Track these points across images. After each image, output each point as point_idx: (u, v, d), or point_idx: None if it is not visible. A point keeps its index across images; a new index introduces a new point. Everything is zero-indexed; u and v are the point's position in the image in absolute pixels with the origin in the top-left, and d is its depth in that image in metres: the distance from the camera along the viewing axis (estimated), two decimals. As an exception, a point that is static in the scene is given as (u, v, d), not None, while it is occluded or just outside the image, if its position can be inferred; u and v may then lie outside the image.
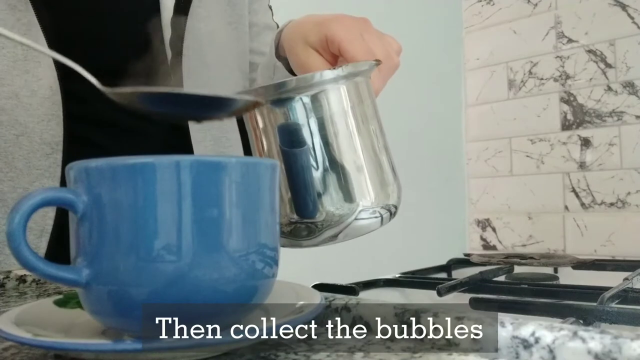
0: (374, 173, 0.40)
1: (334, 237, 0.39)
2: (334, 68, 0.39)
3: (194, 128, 0.66)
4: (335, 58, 0.49)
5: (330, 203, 0.38)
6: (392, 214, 0.41)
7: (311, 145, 0.38)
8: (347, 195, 0.39)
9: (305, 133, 0.38)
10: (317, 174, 0.38)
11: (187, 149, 0.65)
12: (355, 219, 0.39)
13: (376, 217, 0.40)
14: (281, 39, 0.56)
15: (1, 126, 0.57)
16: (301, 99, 0.38)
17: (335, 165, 0.39)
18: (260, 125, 0.40)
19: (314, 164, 0.38)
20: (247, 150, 0.43)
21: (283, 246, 0.41)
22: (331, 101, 0.39)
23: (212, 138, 0.67)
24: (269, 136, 0.40)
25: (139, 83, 0.66)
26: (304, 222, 0.39)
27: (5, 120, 0.57)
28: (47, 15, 0.58)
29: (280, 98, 0.38)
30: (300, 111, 0.38)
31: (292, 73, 0.57)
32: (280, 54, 0.58)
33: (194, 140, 0.65)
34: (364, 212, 0.39)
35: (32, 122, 0.58)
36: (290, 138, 0.39)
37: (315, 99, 0.38)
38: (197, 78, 0.65)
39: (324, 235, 0.39)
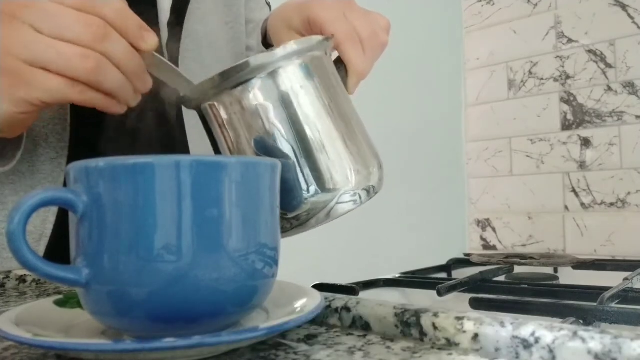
0: (351, 152, 0.39)
1: (309, 225, 0.39)
2: (285, 45, 0.38)
3: (193, 130, 0.65)
4: None
5: (312, 194, 0.38)
6: (369, 194, 0.40)
7: (280, 128, 0.37)
8: (327, 181, 0.38)
9: (271, 115, 0.37)
10: (294, 162, 0.37)
11: (187, 151, 0.65)
12: (337, 203, 0.38)
13: (355, 199, 0.39)
14: (267, 27, 0.56)
15: None
16: (260, 79, 0.37)
17: (309, 148, 0.38)
18: (224, 117, 0.39)
19: (287, 145, 0.37)
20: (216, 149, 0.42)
21: None
22: (287, 78, 0.38)
23: None
24: (236, 127, 0.38)
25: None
26: (287, 217, 0.38)
27: None
28: None
29: (239, 82, 0.38)
30: (259, 92, 0.37)
31: None
32: (268, 43, 0.57)
33: (193, 143, 0.65)
34: (344, 195, 0.38)
35: (37, 125, 0.57)
36: (253, 118, 0.38)
37: (272, 76, 0.38)
38: (195, 80, 0.65)
39: (306, 223, 0.39)
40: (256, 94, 0.38)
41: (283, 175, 0.37)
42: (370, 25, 0.46)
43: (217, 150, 0.41)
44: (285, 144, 0.37)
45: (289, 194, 0.37)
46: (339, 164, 0.38)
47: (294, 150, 0.37)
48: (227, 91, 0.38)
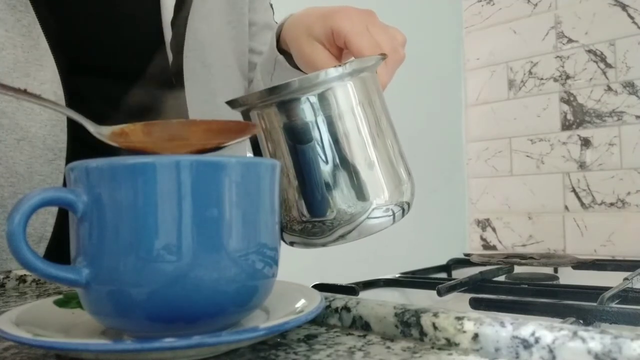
0: (387, 170, 0.39)
1: (345, 236, 0.39)
2: (339, 66, 0.38)
3: None
4: (340, 51, 0.48)
5: (342, 201, 0.38)
6: (404, 212, 0.40)
7: (321, 144, 0.38)
8: (360, 193, 0.38)
9: (314, 132, 0.38)
10: (328, 172, 0.38)
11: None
12: (368, 217, 0.38)
13: (389, 215, 0.39)
14: (282, 33, 0.55)
15: (1, 129, 0.57)
16: (308, 99, 0.37)
17: (346, 164, 0.38)
18: (269, 127, 0.39)
19: (324, 162, 0.38)
20: (257, 152, 0.42)
21: (295, 245, 0.40)
22: (339, 99, 0.38)
23: None
24: (277, 139, 0.39)
25: (139, 85, 0.66)
26: (314, 221, 0.38)
27: (5, 124, 0.57)
28: (50, 18, 0.58)
29: (286, 99, 0.38)
30: (307, 111, 0.38)
31: (294, 67, 0.56)
32: (281, 48, 0.57)
33: None
34: (377, 210, 0.38)
35: (34, 126, 0.57)
36: (297, 133, 0.38)
37: (322, 97, 0.38)
38: (198, 79, 0.65)
39: (335, 233, 0.38)
40: (303, 113, 0.38)
41: (311, 180, 0.38)
42: (391, 41, 0.46)
43: (259, 155, 0.42)
44: (322, 157, 0.38)
45: (314, 197, 0.38)
46: (373, 180, 0.39)
47: (328, 164, 0.38)
48: (274, 105, 0.38)
